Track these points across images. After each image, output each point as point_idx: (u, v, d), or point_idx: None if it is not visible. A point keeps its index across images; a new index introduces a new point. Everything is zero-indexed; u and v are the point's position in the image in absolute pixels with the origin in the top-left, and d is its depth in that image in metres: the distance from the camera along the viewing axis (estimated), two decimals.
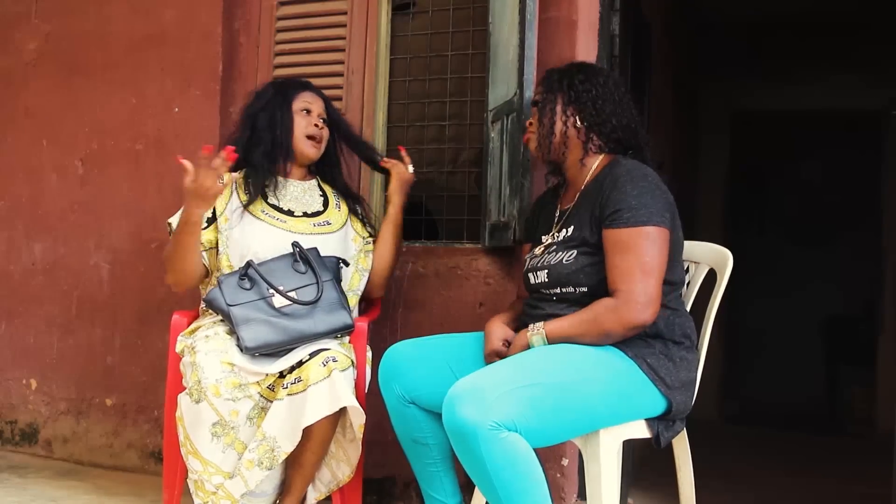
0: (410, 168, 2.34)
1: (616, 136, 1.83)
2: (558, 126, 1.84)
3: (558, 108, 1.84)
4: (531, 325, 1.73)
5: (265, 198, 2.22)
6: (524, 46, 2.17)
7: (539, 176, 2.26)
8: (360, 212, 2.36)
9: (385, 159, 2.36)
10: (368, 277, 2.30)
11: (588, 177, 1.84)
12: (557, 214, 1.91)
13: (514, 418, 1.50)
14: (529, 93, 2.17)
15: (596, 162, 1.84)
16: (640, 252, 1.65)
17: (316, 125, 2.24)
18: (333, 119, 2.33)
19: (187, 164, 1.95)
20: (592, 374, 1.63)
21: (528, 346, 1.73)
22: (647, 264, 1.65)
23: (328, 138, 2.31)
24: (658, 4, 3.67)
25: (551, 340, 1.69)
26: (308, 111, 2.25)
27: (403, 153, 2.35)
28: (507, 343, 1.84)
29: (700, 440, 2.14)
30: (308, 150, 2.25)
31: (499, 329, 1.88)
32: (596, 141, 1.84)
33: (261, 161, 2.20)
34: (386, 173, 2.36)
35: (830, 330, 5.78)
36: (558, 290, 1.78)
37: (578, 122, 1.83)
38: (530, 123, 1.92)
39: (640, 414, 1.71)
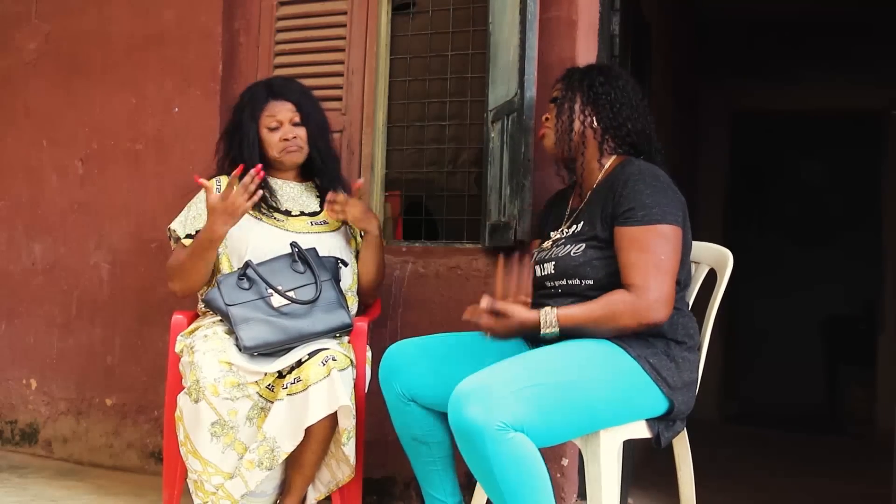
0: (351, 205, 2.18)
1: (630, 139, 1.85)
2: (576, 125, 1.85)
3: (577, 107, 1.85)
4: (543, 310, 1.68)
5: (262, 200, 2.22)
6: (525, 46, 2.17)
7: (540, 176, 2.27)
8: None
9: (330, 199, 2.17)
10: (358, 285, 2.28)
11: (600, 176, 1.85)
12: (568, 212, 1.93)
13: (521, 418, 1.50)
14: (530, 93, 2.17)
15: (609, 162, 1.86)
16: (655, 250, 1.66)
17: (285, 139, 2.21)
18: (305, 115, 2.24)
19: (206, 182, 2.02)
20: (597, 374, 1.63)
21: (531, 323, 1.67)
22: (662, 263, 1.65)
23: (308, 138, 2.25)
24: (658, 4, 3.67)
25: (562, 326, 1.67)
26: (276, 127, 2.21)
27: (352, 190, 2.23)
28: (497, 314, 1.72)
29: (700, 440, 2.14)
30: (286, 158, 2.23)
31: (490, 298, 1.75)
32: (611, 143, 1.85)
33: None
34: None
35: (830, 330, 5.78)
36: (564, 283, 1.78)
37: (595, 123, 1.84)
38: (546, 119, 1.93)
39: (642, 414, 1.71)
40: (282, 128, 2.22)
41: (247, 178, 2.00)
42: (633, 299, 1.64)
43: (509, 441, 1.48)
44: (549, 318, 1.67)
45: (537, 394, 1.54)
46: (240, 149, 2.20)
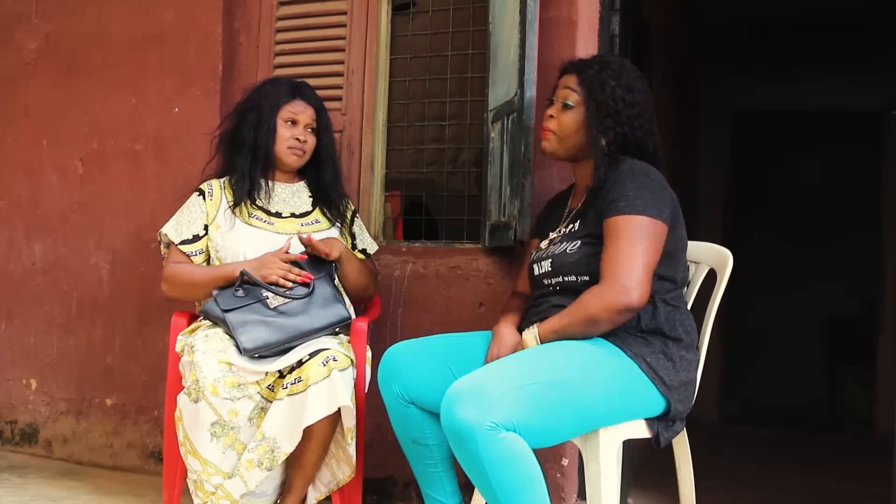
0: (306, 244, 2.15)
1: (634, 146, 1.83)
2: (581, 137, 1.83)
3: (588, 120, 1.81)
4: (525, 332, 1.76)
5: (252, 201, 2.22)
6: (525, 46, 2.17)
7: (540, 176, 2.27)
8: (339, 223, 2.30)
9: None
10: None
11: (599, 174, 1.84)
12: (566, 212, 1.93)
13: (513, 418, 1.50)
14: (530, 93, 2.17)
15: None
16: (630, 239, 1.66)
17: (298, 138, 2.22)
18: (322, 126, 2.29)
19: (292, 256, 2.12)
20: (591, 373, 1.63)
21: (516, 346, 1.77)
22: (635, 251, 1.65)
23: (315, 146, 2.28)
24: (658, 4, 3.67)
25: (543, 337, 1.71)
26: (294, 122, 2.23)
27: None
28: None
29: (700, 440, 2.14)
30: (288, 158, 2.24)
31: (511, 336, 1.85)
32: (616, 154, 1.82)
33: (243, 167, 2.20)
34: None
35: (830, 330, 5.78)
36: (560, 279, 1.79)
37: (602, 140, 1.82)
38: (550, 117, 1.89)
39: (639, 414, 1.71)
40: (297, 127, 2.23)
41: (292, 276, 2.07)
42: (601, 290, 1.65)
43: (501, 441, 1.48)
44: (531, 335, 1.74)
45: (531, 393, 1.54)
46: (254, 131, 2.20)
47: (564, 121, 1.86)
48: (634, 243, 1.66)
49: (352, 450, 1.98)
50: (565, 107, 1.86)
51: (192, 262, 2.21)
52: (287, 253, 2.12)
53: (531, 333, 1.73)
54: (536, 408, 1.54)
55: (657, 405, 1.70)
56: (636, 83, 1.84)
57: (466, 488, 2.01)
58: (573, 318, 1.68)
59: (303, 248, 2.14)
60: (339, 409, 1.91)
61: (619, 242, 1.66)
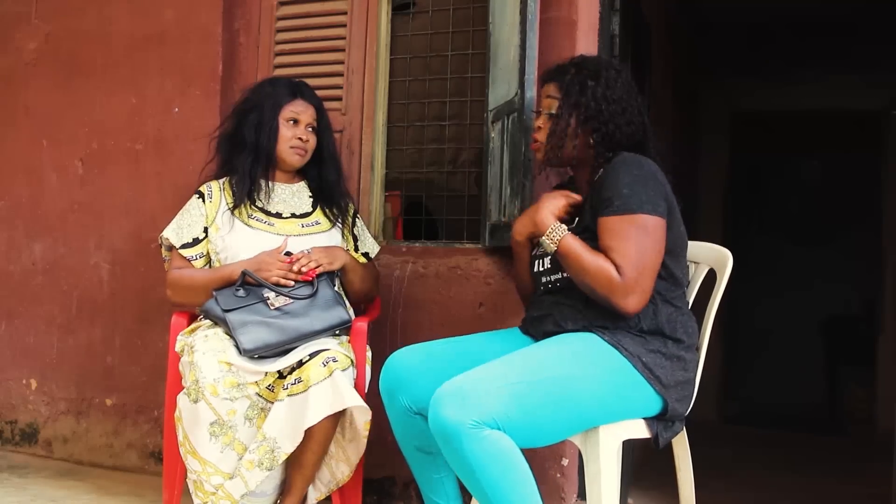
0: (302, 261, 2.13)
1: (625, 141, 1.82)
2: (568, 145, 1.83)
3: (572, 125, 1.82)
4: (554, 225, 1.74)
5: (252, 202, 2.22)
6: (525, 46, 2.17)
7: (540, 176, 2.26)
8: (340, 222, 2.30)
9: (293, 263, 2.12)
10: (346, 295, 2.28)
11: (596, 176, 1.84)
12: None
13: (496, 416, 1.50)
14: (531, 93, 2.17)
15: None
16: (634, 240, 1.65)
17: (300, 138, 2.22)
18: (322, 126, 2.29)
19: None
20: (582, 370, 1.63)
21: (543, 227, 1.76)
22: (643, 255, 1.65)
23: (316, 145, 2.28)
24: (658, 4, 3.67)
25: (560, 246, 1.71)
26: (296, 121, 2.23)
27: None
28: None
29: (700, 440, 2.14)
30: (291, 158, 2.24)
31: (550, 218, 1.79)
32: (605, 153, 1.82)
33: (244, 167, 2.20)
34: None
35: (830, 330, 5.78)
36: (560, 276, 1.79)
37: (590, 141, 1.82)
38: (539, 128, 1.90)
39: (635, 413, 1.70)
40: (299, 126, 2.23)
41: (293, 275, 2.08)
42: (617, 277, 1.64)
43: (485, 439, 1.48)
44: (556, 233, 1.73)
45: (518, 391, 1.54)
46: (255, 131, 2.20)
47: (551, 130, 1.85)
48: (645, 248, 1.65)
49: (360, 445, 1.99)
50: (550, 116, 1.87)
51: (193, 266, 2.21)
52: (285, 254, 2.12)
53: (556, 234, 1.73)
54: (523, 406, 1.54)
55: (654, 404, 1.69)
56: (616, 78, 1.83)
57: (467, 490, 2.01)
58: (585, 267, 1.67)
59: (304, 249, 2.15)
60: (342, 409, 1.91)
61: (623, 241, 1.65)
